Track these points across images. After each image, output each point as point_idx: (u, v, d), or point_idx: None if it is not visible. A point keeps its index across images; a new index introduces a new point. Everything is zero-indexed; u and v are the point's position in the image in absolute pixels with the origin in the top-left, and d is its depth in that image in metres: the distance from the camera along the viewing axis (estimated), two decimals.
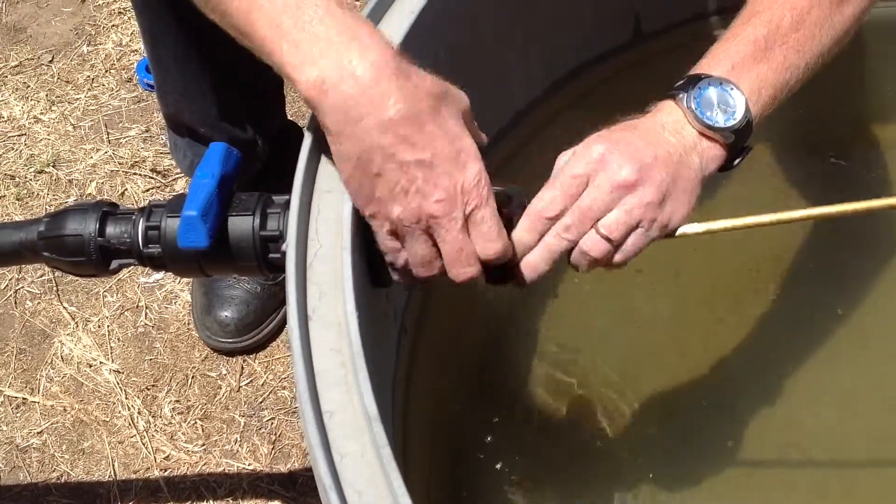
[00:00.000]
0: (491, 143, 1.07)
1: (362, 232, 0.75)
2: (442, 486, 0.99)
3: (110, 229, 0.80)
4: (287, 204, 0.77)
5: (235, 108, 1.28)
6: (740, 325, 1.12)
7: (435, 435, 1.01)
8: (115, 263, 0.82)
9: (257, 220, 0.77)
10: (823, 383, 1.07)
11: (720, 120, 0.75)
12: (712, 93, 0.75)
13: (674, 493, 1.02)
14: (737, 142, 0.76)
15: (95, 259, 0.80)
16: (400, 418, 0.90)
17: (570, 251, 0.75)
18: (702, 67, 0.77)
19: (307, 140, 0.78)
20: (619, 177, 0.72)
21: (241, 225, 0.77)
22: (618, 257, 0.75)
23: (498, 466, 1.01)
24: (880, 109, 1.27)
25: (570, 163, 0.74)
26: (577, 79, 1.15)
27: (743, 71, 0.76)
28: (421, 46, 0.88)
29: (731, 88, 0.75)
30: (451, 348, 1.07)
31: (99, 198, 1.55)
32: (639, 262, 1.14)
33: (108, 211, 0.81)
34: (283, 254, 0.75)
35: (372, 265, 0.77)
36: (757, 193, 1.20)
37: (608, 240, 0.73)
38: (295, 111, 1.68)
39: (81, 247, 0.80)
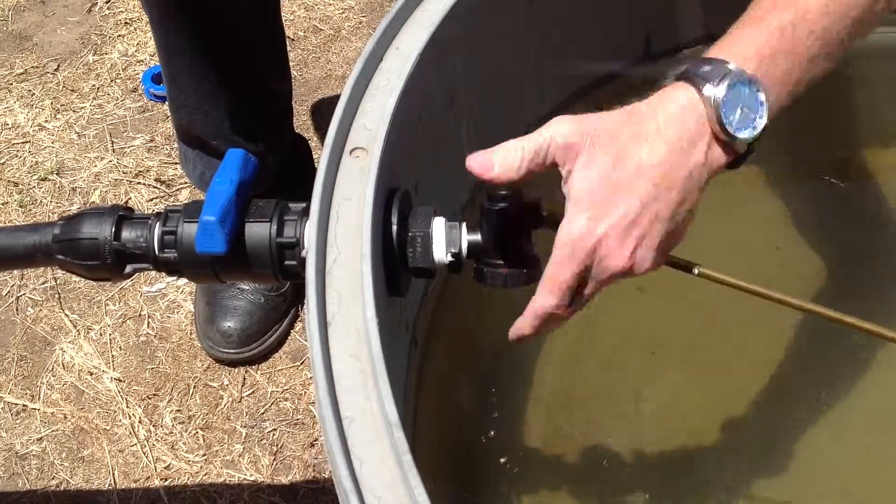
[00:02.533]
0: None
1: (381, 240, 0.75)
2: (450, 493, 0.99)
3: (126, 233, 0.80)
4: (304, 211, 0.77)
5: (248, 122, 1.29)
6: (747, 345, 1.12)
7: (442, 440, 1.01)
8: (129, 268, 0.81)
9: (274, 227, 0.77)
10: (834, 406, 1.07)
11: (743, 128, 0.68)
12: (740, 93, 0.68)
13: None
14: (748, 150, 0.71)
15: (110, 263, 0.80)
16: (410, 425, 0.90)
17: None
18: (728, 52, 0.69)
19: (327, 148, 0.78)
20: (618, 267, 0.70)
21: (258, 231, 0.77)
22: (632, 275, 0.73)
23: (502, 460, 1.01)
24: (879, 133, 1.27)
25: (555, 261, 0.71)
26: (588, 95, 1.15)
27: (770, 67, 0.69)
28: (438, 59, 0.89)
29: (759, 91, 0.68)
30: (460, 359, 1.07)
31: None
32: (644, 282, 1.15)
33: (123, 215, 0.81)
34: (301, 260, 0.75)
35: (389, 273, 0.77)
36: (750, 213, 1.20)
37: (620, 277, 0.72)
38: (300, 124, 1.68)
39: (96, 250, 0.80)
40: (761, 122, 0.68)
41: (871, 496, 1.02)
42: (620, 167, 0.69)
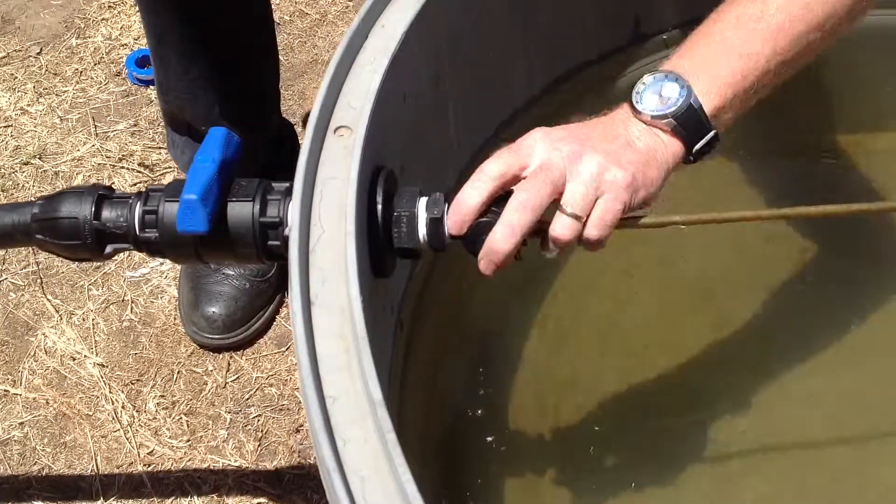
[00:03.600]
0: (488, 139, 1.09)
1: (366, 220, 0.74)
2: (436, 473, 0.99)
3: (106, 213, 0.79)
4: (287, 191, 0.76)
5: (237, 107, 1.29)
6: (734, 330, 1.12)
7: (428, 422, 1.02)
8: (110, 248, 0.80)
9: (257, 207, 0.76)
10: (813, 387, 1.07)
11: (656, 107, 0.76)
12: (653, 85, 0.77)
13: (657, 490, 1.02)
14: (686, 130, 0.77)
15: (90, 243, 0.79)
16: (396, 408, 0.90)
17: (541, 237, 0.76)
18: (661, 63, 0.80)
19: (311, 127, 0.77)
20: (590, 173, 0.74)
21: (240, 211, 0.76)
22: (590, 232, 0.75)
23: (489, 440, 1.02)
24: (874, 117, 1.27)
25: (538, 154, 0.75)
26: (576, 78, 1.14)
27: (691, 64, 0.78)
28: (424, 37, 0.88)
29: (672, 78, 0.77)
30: (446, 343, 1.07)
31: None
32: (629, 264, 1.15)
33: (104, 194, 0.80)
34: (285, 239, 0.74)
35: (374, 254, 0.76)
36: (738, 197, 1.20)
37: (576, 217, 0.74)
38: (285, 109, 1.67)
39: (76, 230, 0.79)
40: (681, 101, 0.76)
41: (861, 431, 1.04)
42: (588, 143, 0.75)
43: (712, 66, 0.78)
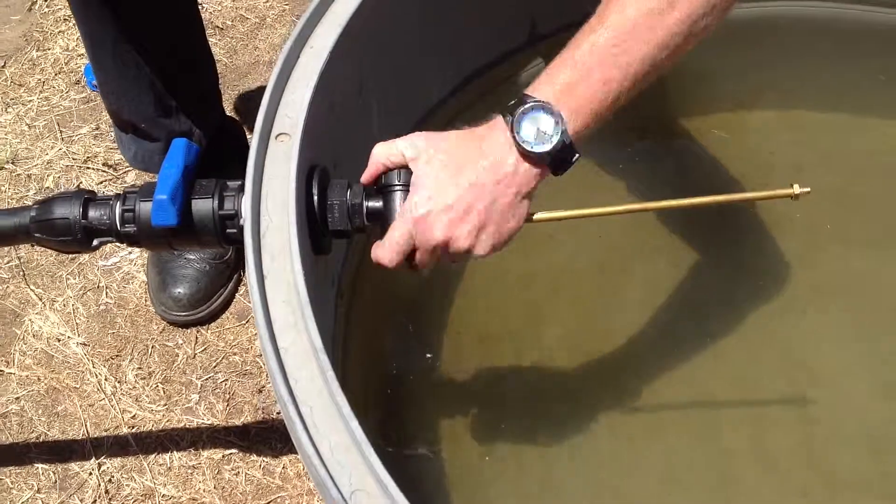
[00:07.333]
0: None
1: (304, 208, 0.92)
2: (377, 418, 1.14)
3: (92, 213, 0.94)
4: (240, 188, 0.92)
5: (172, 106, 1.40)
6: (651, 274, 1.25)
7: (369, 373, 1.16)
8: (96, 241, 0.96)
9: (216, 202, 0.92)
10: (721, 337, 1.19)
11: (535, 146, 0.83)
12: (533, 117, 0.83)
13: (580, 430, 1.14)
14: (556, 162, 0.85)
15: (81, 238, 0.95)
16: (339, 361, 1.07)
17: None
18: (531, 88, 0.85)
19: (256, 135, 0.94)
20: (437, 238, 0.87)
21: (203, 206, 0.92)
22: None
23: (424, 389, 1.13)
24: (748, 96, 1.40)
25: (396, 225, 0.89)
26: (481, 78, 1.30)
27: (560, 90, 0.84)
28: (348, 53, 1.03)
29: (548, 110, 0.83)
30: (382, 306, 1.22)
31: (57, 191, 1.69)
32: (553, 229, 1.23)
33: (89, 197, 0.95)
34: (240, 228, 0.91)
35: (313, 236, 0.94)
36: (623, 182, 1.33)
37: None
38: (231, 108, 1.81)
39: (69, 228, 0.94)
40: (556, 138, 0.83)
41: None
42: (451, 167, 0.87)
43: (575, 92, 0.83)
